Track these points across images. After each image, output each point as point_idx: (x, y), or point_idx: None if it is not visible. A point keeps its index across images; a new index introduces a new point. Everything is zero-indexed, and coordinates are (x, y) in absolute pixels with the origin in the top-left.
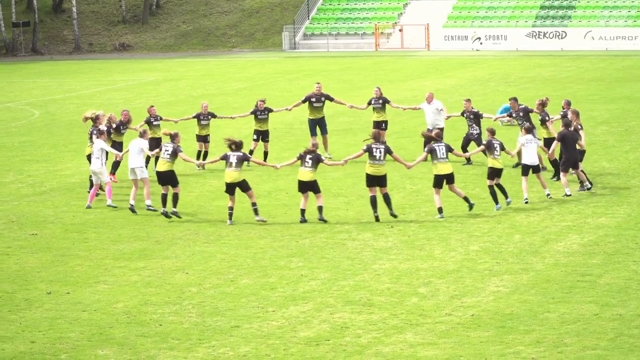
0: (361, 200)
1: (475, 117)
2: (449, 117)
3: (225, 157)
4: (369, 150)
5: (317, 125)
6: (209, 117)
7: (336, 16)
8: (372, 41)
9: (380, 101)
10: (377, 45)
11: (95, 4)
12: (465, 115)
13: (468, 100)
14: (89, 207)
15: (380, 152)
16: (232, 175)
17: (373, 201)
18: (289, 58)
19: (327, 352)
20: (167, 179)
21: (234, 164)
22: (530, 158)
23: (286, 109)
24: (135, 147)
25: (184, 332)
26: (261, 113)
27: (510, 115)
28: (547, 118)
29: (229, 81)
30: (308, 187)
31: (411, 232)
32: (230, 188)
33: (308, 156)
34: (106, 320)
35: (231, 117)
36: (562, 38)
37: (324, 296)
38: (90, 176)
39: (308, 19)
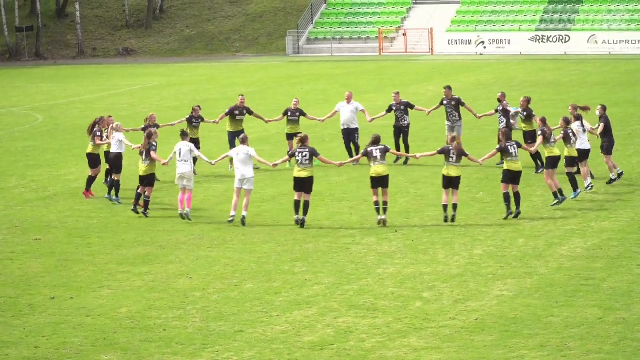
0: (365, 204)
1: (405, 108)
2: (373, 119)
3: (367, 153)
4: (504, 149)
5: (237, 137)
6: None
7: (340, 20)
8: (376, 45)
9: (297, 114)
10: (381, 50)
11: (98, 8)
12: (395, 108)
13: (397, 93)
14: (186, 215)
15: (514, 149)
16: (378, 169)
17: (507, 197)
18: (292, 62)
19: (331, 357)
20: (305, 185)
21: (379, 158)
22: (584, 144)
23: (214, 122)
24: (242, 155)
25: (188, 337)
26: (196, 120)
27: (441, 103)
28: (533, 114)
29: (232, 86)
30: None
31: (415, 237)
32: (375, 182)
33: (452, 152)
34: (110, 325)
35: (171, 124)
36: (565, 42)
37: (328, 301)
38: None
39: (312, 23)
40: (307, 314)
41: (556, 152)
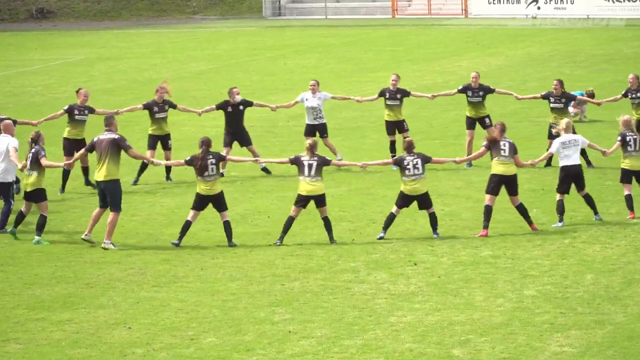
0: (373, 226)
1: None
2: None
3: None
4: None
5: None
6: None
7: None
8: (388, 5)
9: (166, 107)
10: (394, 11)
11: None
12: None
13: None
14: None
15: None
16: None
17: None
18: (271, 28)
19: None
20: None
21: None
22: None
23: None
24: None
25: None
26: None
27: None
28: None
29: (188, 61)
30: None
31: (442, 271)
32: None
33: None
34: None
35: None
36: None
37: None
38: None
39: None
40: None
41: None
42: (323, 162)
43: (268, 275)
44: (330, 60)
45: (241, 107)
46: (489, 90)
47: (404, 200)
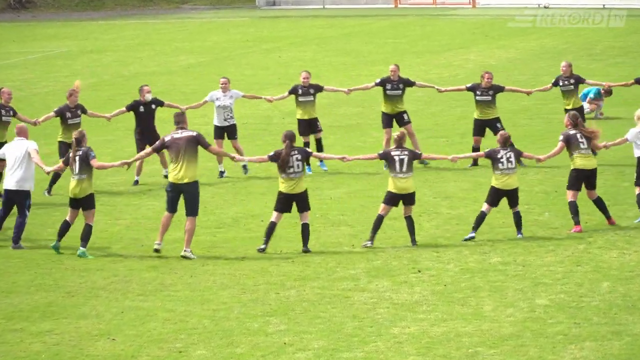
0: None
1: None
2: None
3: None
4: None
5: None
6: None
7: None
8: None
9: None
10: (397, 0)
11: None
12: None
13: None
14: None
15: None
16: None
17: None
18: (265, 19)
19: None
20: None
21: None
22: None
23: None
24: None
25: None
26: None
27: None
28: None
29: (176, 53)
30: None
31: (449, 279)
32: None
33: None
34: None
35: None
36: None
37: None
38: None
39: None
40: None
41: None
42: (414, 157)
43: (262, 283)
44: (328, 53)
45: (153, 106)
46: (408, 83)
47: (495, 197)
